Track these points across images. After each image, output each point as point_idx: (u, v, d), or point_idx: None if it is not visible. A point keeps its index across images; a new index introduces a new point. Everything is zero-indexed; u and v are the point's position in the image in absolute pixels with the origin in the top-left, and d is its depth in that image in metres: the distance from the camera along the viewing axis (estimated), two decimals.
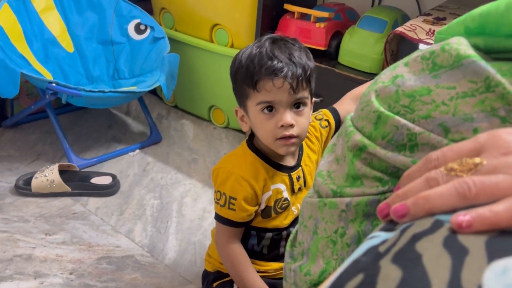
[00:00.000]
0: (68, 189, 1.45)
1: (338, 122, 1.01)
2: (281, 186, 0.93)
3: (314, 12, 1.48)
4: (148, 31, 1.77)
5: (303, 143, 0.97)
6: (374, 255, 0.30)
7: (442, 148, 0.35)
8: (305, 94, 0.85)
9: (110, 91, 1.49)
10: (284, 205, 0.94)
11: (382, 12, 1.44)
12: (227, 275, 0.98)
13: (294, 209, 0.96)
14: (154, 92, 2.06)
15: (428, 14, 1.32)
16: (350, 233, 0.46)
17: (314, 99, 0.92)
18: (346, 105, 1.03)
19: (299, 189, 0.95)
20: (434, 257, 0.27)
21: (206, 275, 1.05)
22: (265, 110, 0.85)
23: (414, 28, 1.23)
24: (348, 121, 0.48)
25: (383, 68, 1.36)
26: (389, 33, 1.28)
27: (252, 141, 0.94)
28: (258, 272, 0.94)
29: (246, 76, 0.84)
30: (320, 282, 0.49)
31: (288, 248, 0.58)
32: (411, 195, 0.33)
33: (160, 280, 1.18)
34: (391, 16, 1.42)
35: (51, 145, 1.70)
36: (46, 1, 1.71)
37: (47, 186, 1.43)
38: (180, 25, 1.83)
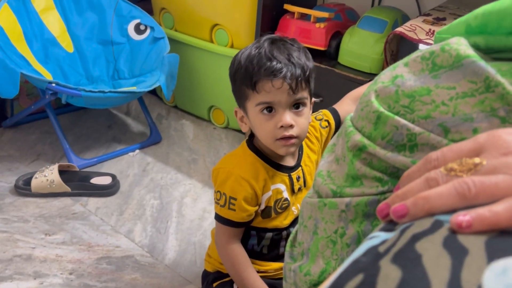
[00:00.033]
0: (68, 189, 1.45)
1: (338, 123, 1.01)
2: (281, 186, 0.93)
3: (314, 12, 1.48)
4: (148, 31, 1.77)
5: (303, 143, 0.97)
6: (374, 255, 0.30)
7: (442, 148, 0.36)
8: (304, 94, 0.85)
9: (110, 91, 1.49)
10: (284, 205, 0.94)
11: (382, 12, 1.44)
12: (227, 275, 0.98)
13: (294, 209, 0.96)
14: (154, 92, 2.06)
15: (428, 15, 1.32)
16: (350, 233, 0.46)
17: (313, 99, 0.92)
18: (346, 106, 1.03)
19: (299, 189, 0.95)
20: (434, 257, 0.27)
21: (206, 275, 1.05)
22: (265, 111, 0.85)
23: (414, 28, 1.23)
24: (348, 121, 0.48)
25: (383, 68, 1.36)
26: (389, 33, 1.28)
27: (252, 141, 0.94)
28: (258, 272, 0.94)
29: (245, 77, 0.84)
30: (320, 282, 0.49)
31: (288, 248, 0.58)
32: (411, 195, 0.33)
33: (160, 280, 1.18)
34: (391, 16, 1.42)
35: (51, 145, 1.70)
36: (46, 1, 1.71)
37: (47, 186, 1.43)
38: (180, 25, 1.83)
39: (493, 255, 0.26)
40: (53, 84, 1.44)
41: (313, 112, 0.95)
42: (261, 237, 0.96)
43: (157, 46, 1.73)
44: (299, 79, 0.83)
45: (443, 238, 0.29)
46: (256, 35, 1.57)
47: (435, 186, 0.33)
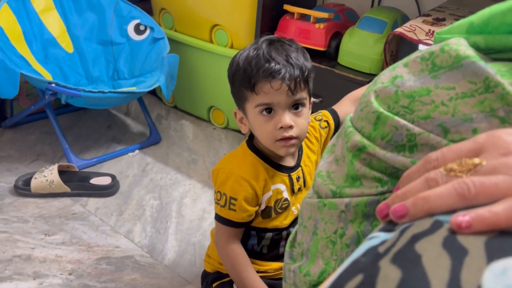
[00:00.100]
0: (67, 189, 1.45)
1: (337, 124, 1.01)
2: (281, 187, 0.93)
3: (313, 13, 1.48)
4: (148, 31, 1.77)
5: (303, 143, 0.97)
6: (374, 255, 0.30)
7: (441, 148, 0.36)
8: (303, 95, 0.85)
9: (110, 92, 1.49)
10: (284, 206, 0.94)
11: (381, 13, 1.44)
12: (226, 275, 0.98)
13: (294, 209, 0.96)
14: (153, 92, 2.06)
15: (428, 15, 1.32)
16: (349, 233, 0.46)
17: (312, 99, 0.92)
18: (345, 107, 1.03)
19: (299, 189, 0.96)
20: (433, 257, 0.27)
21: (205, 275, 1.05)
22: (264, 112, 0.85)
23: (414, 28, 1.23)
24: (348, 122, 0.48)
25: (382, 69, 1.36)
26: (388, 33, 1.28)
27: (252, 141, 0.94)
28: (258, 272, 0.94)
29: (244, 78, 0.84)
30: (319, 282, 0.49)
31: (287, 248, 0.58)
32: (411, 196, 0.33)
33: (160, 280, 1.18)
34: (391, 17, 1.42)
35: (50, 145, 1.70)
36: (45, 1, 1.71)
37: (47, 186, 1.43)
38: (180, 26, 1.83)
39: (492, 255, 0.26)
40: (53, 85, 1.44)
41: (312, 112, 0.95)
42: (261, 237, 0.96)
43: (157, 47, 1.73)
44: (298, 79, 0.83)
45: (443, 238, 0.29)
46: (255, 36, 1.57)
47: (435, 187, 0.33)
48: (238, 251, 0.93)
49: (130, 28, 1.79)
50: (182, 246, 1.30)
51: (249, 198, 0.89)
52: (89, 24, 1.79)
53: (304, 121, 0.87)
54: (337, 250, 0.47)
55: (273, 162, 0.92)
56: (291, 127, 0.84)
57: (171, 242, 1.31)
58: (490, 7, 0.42)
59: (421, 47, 1.20)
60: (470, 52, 0.40)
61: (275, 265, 0.98)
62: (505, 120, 0.37)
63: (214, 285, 1.01)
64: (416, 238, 0.30)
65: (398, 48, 1.33)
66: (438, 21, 1.28)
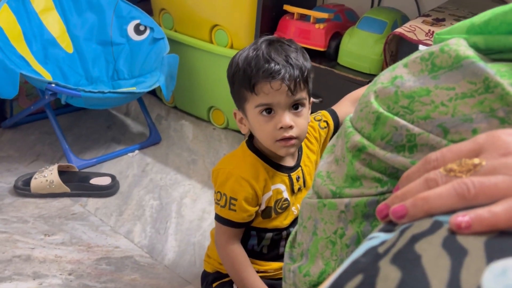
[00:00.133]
0: (67, 189, 1.45)
1: (337, 124, 1.01)
2: (281, 187, 0.93)
3: (313, 13, 1.48)
4: (148, 31, 1.77)
5: (302, 143, 0.97)
6: (374, 255, 0.30)
7: (441, 149, 0.36)
8: (303, 95, 0.86)
9: (110, 92, 1.49)
10: (284, 206, 0.94)
11: (381, 13, 1.44)
12: (226, 275, 0.98)
13: (294, 209, 0.96)
14: (153, 92, 2.06)
15: (427, 15, 1.32)
16: (349, 234, 0.46)
17: (312, 99, 0.92)
18: (345, 107, 1.03)
19: (299, 189, 0.96)
20: (433, 258, 0.27)
21: (205, 275, 1.05)
22: (264, 113, 0.85)
23: (414, 29, 1.23)
24: (348, 122, 0.48)
25: (382, 69, 1.36)
26: (388, 34, 1.28)
27: (251, 141, 0.94)
28: (258, 272, 0.94)
29: (244, 79, 0.84)
30: (319, 283, 0.49)
31: (287, 249, 0.58)
32: (410, 196, 0.33)
33: (159, 281, 1.18)
34: (391, 17, 1.42)
35: (50, 145, 1.70)
36: (45, 1, 1.71)
37: (46, 186, 1.43)
38: (180, 26, 1.83)
39: (492, 255, 0.26)
40: (53, 85, 1.44)
41: (312, 112, 0.95)
42: (261, 237, 0.96)
43: (157, 47, 1.73)
44: (298, 80, 0.83)
45: (443, 238, 0.29)
46: (255, 36, 1.57)
47: (435, 187, 0.33)
48: (238, 251, 0.93)
49: (130, 28, 1.79)
50: (182, 247, 1.30)
51: (249, 198, 0.89)
52: (89, 24, 1.79)
53: (304, 121, 0.87)
54: (337, 251, 0.47)
55: (273, 162, 0.92)
56: (291, 127, 0.85)
57: (171, 243, 1.31)
58: (493, 9, 0.42)
59: (421, 47, 1.21)
60: (470, 52, 0.40)
61: (275, 265, 0.98)
62: (504, 120, 0.37)
63: (214, 285, 1.01)
64: (415, 238, 0.30)
65: (398, 48, 1.33)
66: (438, 22, 1.28)
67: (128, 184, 1.54)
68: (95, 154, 1.68)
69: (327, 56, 1.48)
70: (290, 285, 0.54)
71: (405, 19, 1.44)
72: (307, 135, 0.97)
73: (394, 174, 0.43)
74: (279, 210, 0.94)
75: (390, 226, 0.34)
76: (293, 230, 0.58)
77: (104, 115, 1.95)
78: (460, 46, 0.40)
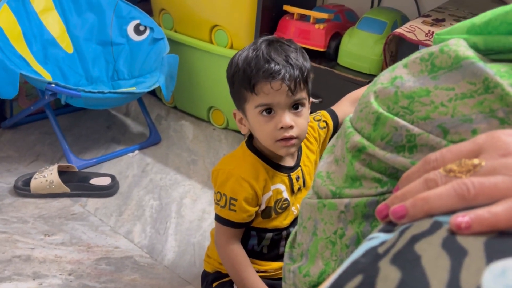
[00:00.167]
0: (67, 190, 1.45)
1: (336, 124, 1.01)
2: (280, 187, 0.93)
3: (313, 13, 1.48)
4: (148, 32, 1.77)
5: (302, 143, 0.97)
6: (373, 256, 0.30)
7: (441, 149, 0.36)
8: (303, 95, 0.86)
9: (110, 92, 1.49)
10: (284, 206, 0.94)
11: (381, 14, 1.44)
12: (226, 275, 0.98)
13: (294, 209, 0.96)
14: (153, 93, 2.06)
15: (427, 16, 1.32)
16: (349, 234, 0.46)
17: (311, 99, 0.92)
18: (344, 107, 1.03)
19: (299, 189, 0.96)
20: (433, 258, 0.27)
21: (205, 275, 1.05)
22: (264, 113, 0.85)
23: (413, 29, 1.23)
24: (347, 122, 0.48)
25: (382, 70, 1.36)
26: (388, 34, 1.28)
27: (251, 141, 0.94)
28: (258, 271, 0.94)
29: (244, 79, 0.84)
30: (319, 283, 0.49)
31: (287, 249, 0.58)
32: (410, 196, 0.33)
33: (159, 281, 1.18)
34: (390, 18, 1.42)
35: (50, 146, 1.70)
36: (45, 2, 1.71)
37: (46, 186, 1.43)
38: (180, 26, 1.83)
39: (492, 256, 0.26)
40: (53, 85, 1.44)
41: (311, 113, 0.95)
42: (261, 238, 0.96)
43: (157, 47, 1.73)
44: (298, 80, 0.83)
45: (442, 239, 0.29)
46: (255, 36, 1.57)
47: (434, 187, 0.33)
48: (238, 251, 0.93)
49: (130, 28, 1.79)
50: (182, 247, 1.30)
51: (249, 198, 0.89)
52: (89, 24, 1.79)
53: (304, 121, 0.87)
54: (337, 251, 0.47)
55: (272, 162, 0.93)
56: (291, 127, 0.85)
57: (170, 243, 1.31)
58: (494, 9, 0.42)
59: (421, 47, 1.21)
60: (469, 53, 0.40)
61: (275, 265, 0.98)
62: (504, 121, 0.37)
63: (214, 284, 1.01)
64: (415, 238, 0.30)
65: (397, 48, 1.33)
66: (438, 22, 1.28)
67: (128, 184, 1.54)
68: (95, 154, 1.68)
69: (327, 57, 1.48)
70: (290, 285, 0.54)
71: (405, 20, 1.44)
72: (306, 135, 0.97)
73: (394, 175, 0.43)
74: (279, 210, 0.94)
75: (390, 226, 0.34)
76: (293, 231, 0.58)
77: (104, 115, 1.95)
78: (459, 46, 0.40)
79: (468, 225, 0.29)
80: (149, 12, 1.87)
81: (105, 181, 1.49)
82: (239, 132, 1.86)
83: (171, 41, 1.76)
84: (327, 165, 0.50)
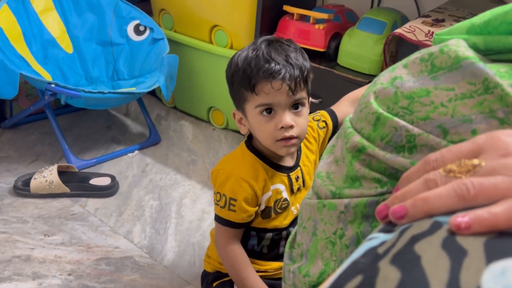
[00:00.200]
0: (67, 190, 1.45)
1: (336, 124, 1.01)
2: (280, 187, 0.93)
3: (313, 14, 1.48)
4: (148, 32, 1.77)
5: (301, 143, 0.97)
6: (373, 256, 0.30)
7: (440, 149, 0.36)
8: (303, 94, 0.86)
9: (109, 92, 1.49)
10: (283, 206, 0.94)
11: (381, 14, 1.44)
12: (226, 275, 0.98)
13: (294, 209, 0.96)
14: (153, 93, 2.06)
15: (427, 16, 1.32)
16: (349, 234, 0.46)
17: (311, 99, 0.92)
18: (344, 108, 1.03)
19: (298, 189, 0.96)
20: (432, 258, 0.27)
21: (205, 275, 1.05)
22: (264, 113, 0.85)
23: (413, 29, 1.23)
24: (347, 123, 0.48)
25: (382, 70, 1.36)
26: (388, 34, 1.29)
27: (251, 142, 0.94)
28: (258, 271, 0.94)
29: (244, 79, 0.84)
30: (319, 283, 0.49)
31: (287, 249, 0.58)
32: (410, 197, 0.33)
33: (159, 281, 1.18)
34: (390, 18, 1.42)
35: (50, 146, 1.70)
36: (45, 2, 1.71)
37: (46, 187, 1.43)
38: (180, 26, 1.83)
39: (492, 256, 0.26)
40: (53, 85, 1.44)
41: (310, 113, 0.95)
42: (261, 238, 0.96)
43: (157, 47, 1.73)
44: (298, 79, 0.83)
45: (442, 239, 0.29)
46: (255, 36, 1.57)
47: (434, 188, 0.33)
48: (238, 252, 0.93)
49: (130, 28, 1.79)
50: (182, 247, 1.30)
51: (249, 198, 0.89)
52: (89, 24, 1.79)
53: (304, 121, 0.87)
54: (337, 251, 0.47)
55: (272, 162, 0.93)
56: (291, 127, 0.85)
57: (170, 243, 1.31)
58: (493, 9, 0.42)
59: (420, 48, 1.20)
60: (469, 53, 0.40)
61: (275, 264, 0.98)
62: (504, 121, 0.37)
63: (214, 284, 1.01)
64: (415, 239, 0.30)
65: (397, 49, 1.33)
66: (438, 22, 1.28)
67: (128, 185, 1.54)
68: (94, 155, 1.68)
69: (326, 57, 1.48)
70: (290, 285, 0.54)
71: (404, 20, 1.44)
72: (306, 135, 0.97)
73: (393, 175, 0.43)
74: (279, 210, 0.94)
75: (389, 226, 0.34)
76: (292, 231, 0.58)
77: (104, 115, 1.95)
78: (459, 46, 0.40)
79: (468, 225, 0.29)
80: (149, 12, 1.87)
81: (105, 181, 1.49)
82: (239, 132, 1.86)
83: (171, 41, 1.76)
84: (327, 165, 0.50)
